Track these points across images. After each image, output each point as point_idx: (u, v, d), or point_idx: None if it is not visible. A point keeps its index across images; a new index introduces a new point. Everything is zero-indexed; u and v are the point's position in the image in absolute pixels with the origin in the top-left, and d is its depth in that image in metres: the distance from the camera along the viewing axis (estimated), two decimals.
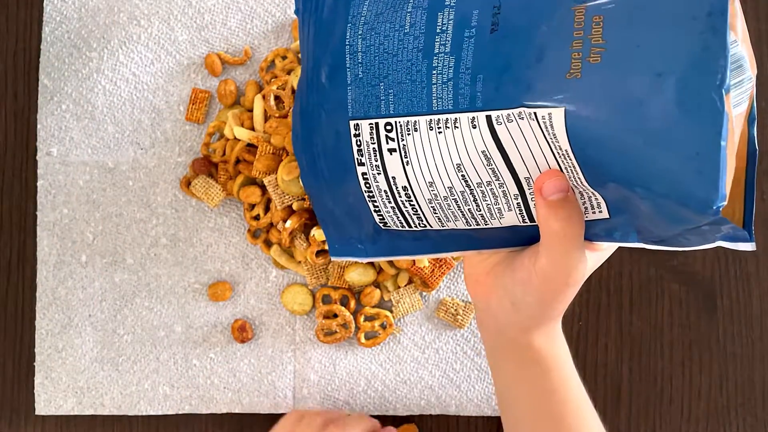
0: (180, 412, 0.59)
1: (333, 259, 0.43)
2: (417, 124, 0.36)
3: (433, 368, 0.59)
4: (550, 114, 0.33)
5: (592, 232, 0.37)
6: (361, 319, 0.58)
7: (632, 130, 0.31)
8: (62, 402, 0.59)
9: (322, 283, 0.59)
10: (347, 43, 0.38)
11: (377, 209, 0.40)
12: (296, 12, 0.41)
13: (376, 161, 0.38)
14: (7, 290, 0.60)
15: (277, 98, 0.57)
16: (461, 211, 0.38)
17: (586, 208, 0.36)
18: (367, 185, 0.39)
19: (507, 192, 0.37)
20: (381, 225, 0.41)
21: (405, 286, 0.58)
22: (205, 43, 0.60)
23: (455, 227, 0.39)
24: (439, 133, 0.36)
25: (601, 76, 0.31)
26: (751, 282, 0.60)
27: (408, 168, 0.38)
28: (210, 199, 0.58)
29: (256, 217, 0.58)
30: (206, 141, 0.59)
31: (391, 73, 0.37)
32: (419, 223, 0.40)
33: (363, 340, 0.59)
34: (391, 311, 0.59)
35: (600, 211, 0.36)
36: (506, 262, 0.40)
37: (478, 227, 0.39)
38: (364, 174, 0.39)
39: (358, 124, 0.38)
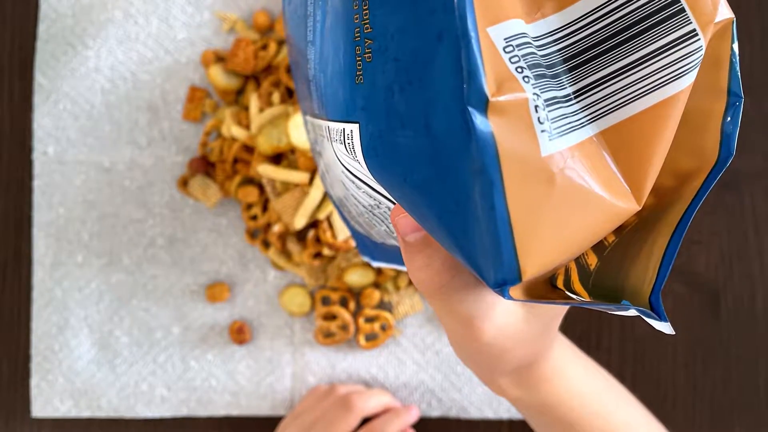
0: (177, 415, 0.58)
1: (363, 258, 0.41)
2: (323, 130, 0.31)
3: (433, 371, 0.58)
4: (350, 132, 0.26)
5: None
6: (361, 320, 0.58)
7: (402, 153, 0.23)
8: (58, 404, 0.58)
9: (321, 284, 0.58)
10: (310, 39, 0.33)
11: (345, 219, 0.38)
12: None
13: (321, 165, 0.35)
14: (2, 291, 0.59)
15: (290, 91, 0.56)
16: (384, 229, 0.33)
17: None
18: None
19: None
20: (375, 236, 0.38)
21: (405, 287, 0.58)
22: (204, 40, 0.59)
23: (392, 243, 0.34)
24: (328, 142, 0.30)
25: (373, 78, 0.24)
26: (755, 284, 0.59)
27: (326, 177, 0.34)
28: (207, 198, 0.57)
29: (254, 217, 0.57)
30: (203, 140, 0.58)
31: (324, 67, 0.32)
32: (372, 234, 0.35)
33: (363, 342, 0.58)
34: (391, 313, 0.58)
35: None
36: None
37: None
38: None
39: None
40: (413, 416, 0.56)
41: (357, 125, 0.25)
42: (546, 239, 0.22)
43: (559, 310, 0.30)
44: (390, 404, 0.56)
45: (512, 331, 0.29)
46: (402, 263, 0.36)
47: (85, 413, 0.58)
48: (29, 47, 0.59)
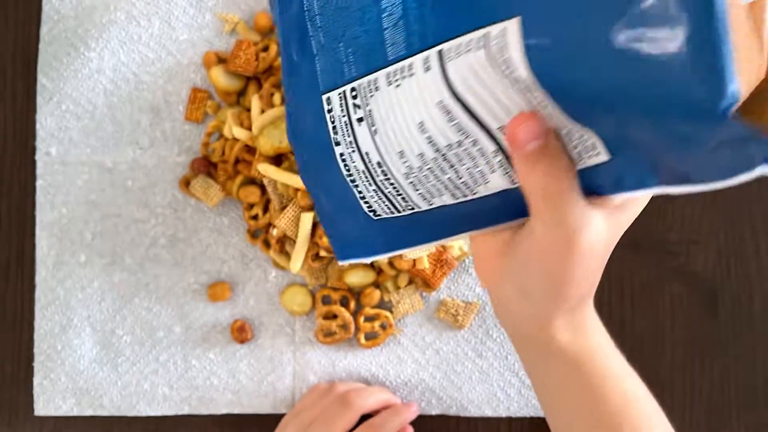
0: (179, 413, 0.59)
1: (340, 262, 0.38)
2: (377, 81, 0.31)
3: (433, 369, 0.59)
4: (503, 30, 0.26)
5: (597, 184, 0.29)
6: (361, 319, 0.58)
7: (602, 26, 0.23)
8: (61, 403, 0.58)
9: (322, 283, 0.58)
10: (305, 8, 0.33)
11: (362, 195, 0.35)
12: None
13: (349, 136, 0.33)
14: (5, 290, 0.60)
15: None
16: (443, 183, 0.32)
17: (579, 152, 0.29)
18: (347, 168, 0.34)
19: (484, 150, 0.30)
20: (371, 215, 0.36)
21: (405, 286, 0.58)
22: (206, 41, 0.60)
23: (444, 203, 0.33)
24: (398, 86, 0.30)
25: None
26: (752, 283, 0.59)
27: (377, 138, 0.32)
28: (209, 199, 0.58)
29: (255, 217, 0.57)
30: (205, 141, 0.59)
31: (347, 30, 0.32)
32: (405, 206, 0.34)
33: (363, 340, 0.58)
34: (392, 312, 0.59)
35: (597, 153, 0.28)
36: (512, 239, 0.33)
37: (467, 199, 0.33)
38: (341, 155, 0.34)
39: (329, 98, 0.33)
40: (412, 413, 0.57)
41: (515, 20, 0.25)
42: (742, 66, 0.23)
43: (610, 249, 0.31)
44: (389, 401, 0.57)
45: (597, 251, 0.30)
46: (419, 240, 0.35)
47: (88, 412, 0.58)
48: (32, 49, 0.60)
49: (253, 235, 0.59)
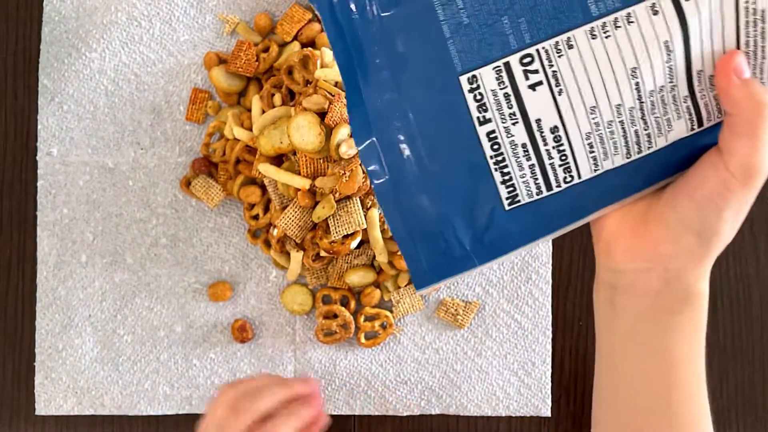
0: (180, 412, 0.59)
1: (419, 292, 0.37)
2: (572, 39, 0.33)
3: (433, 368, 0.59)
4: None
5: None
6: (362, 319, 0.58)
7: None
8: (62, 402, 0.59)
9: (322, 283, 0.59)
10: None
11: (507, 178, 0.35)
12: (319, 8, 0.36)
13: (510, 108, 0.34)
14: (7, 290, 0.60)
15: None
16: (625, 138, 0.34)
17: None
18: (495, 147, 0.34)
19: (677, 96, 0.33)
20: (507, 202, 0.35)
21: (405, 286, 0.58)
22: (206, 42, 0.60)
23: (611, 167, 0.35)
24: (607, 37, 0.33)
25: None
26: (751, 284, 0.60)
27: (561, 99, 0.34)
28: (210, 199, 0.58)
29: (256, 217, 0.58)
30: (206, 141, 0.59)
31: (516, 2, 0.33)
32: (564, 178, 0.35)
33: (363, 340, 0.59)
34: (392, 311, 0.59)
35: None
36: (665, 198, 0.35)
37: (639, 156, 0.35)
38: (490, 133, 0.34)
39: (474, 76, 0.34)
40: (312, 411, 0.51)
41: None
42: None
43: None
44: (290, 396, 0.51)
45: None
46: (555, 224, 0.36)
47: (89, 411, 0.59)
48: (33, 49, 0.60)
49: (254, 235, 0.59)
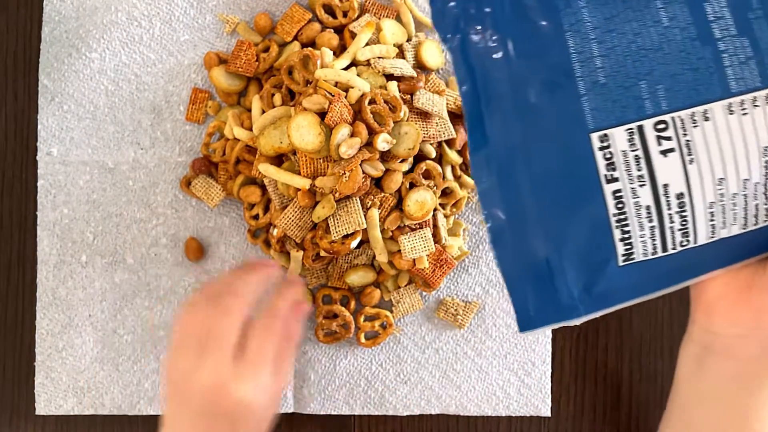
0: None
1: (522, 333, 0.39)
2: (709, 112, 0.34)
3: (433, 368, 0.59)
4: None
5: None
6: (362, 319, 0.59)
7: None
8: (62, 402, 0.59)
9: (322, 283, 0.59)
10: (573, 51, 0.35)
11: (626, 236, 0.36)
12: (450, 48, 0.37)
13: (639, 171, 0.35)
14: (7, 290, 0.60)
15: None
16: (745, 210, 0.36)
17: None
18: (620, 206, 0.35)
19: None
20: (622, 259, 0.36)
21: (405, 286, 0.58)
22: (206, 42, 0.60)
23: (726, 235, 0.36)
24: (744, 114, 0.34)
25: None
26: None
27: (691, 168, 0.35)
28: (210, 198, 0.58)
29: (256, 217, 0.58)
30: (206, 141, 0.59)
31: (656, 69, 0.35)
32: (681, 242, 0.36)
33: (363, 340, 0.59)
34: (392, 311, 0.59)
35: None
36: None
37: (755, 227, 0.36)
38: (617, 192, 0.35)
39: (606, 135, 0.35)
40: (296, 287, 0.50)
41: None
42: None
43: None
44: (266, 278, 0.49)
45: None
46: (663, 283, 0.37)
47: (89, 411, 0.59)
48: (34, 49, 0.60)
49: (254, 234, 0.59)
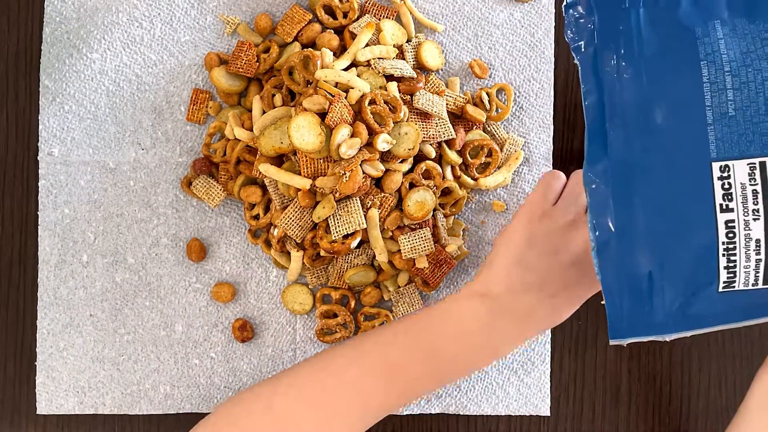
0: (181, 412, 0.59)
1: (612, 342, 0.39)
2: None
3: None
4: None
5: None
6: (361, 318, 0.59)
7: None
8: (63, 401, 0.59)
9: (322, 282, 0.59)
10: (706, 81, 0.36)
11: (731, 265, 0.37)
12: (581, 60, 0.38)
13: (756, 205, 0.35)
14: (8, 290, 0.60)
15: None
16: None
17: None
18: (730, 235, 0.36)
19: None
20: (723, 286, 0.37)
21: (405, 285, 0.58)
22: (207, 43, 0.60)
23: None
24: None
25: None
26: None
27: None
28: (211, 199, 0.58)
29: (256, 217, 0.58)
30: (207, 141, 0.59)
31: None
32: None
33: None
34: (392, 311, 0.59)
35: None
36: None
37: None
38: (729, 222, 0.36)
39: (727, 166, 0.35)
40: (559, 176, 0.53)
41: None
42: None
43: None
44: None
45: None
46: (748, 317, 0.38)
47: (90, 410, 0.59)
48: (35, 50, 0.60)
49: (255, 234, 0.59)
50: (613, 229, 0.37)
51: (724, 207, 0.36)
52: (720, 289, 0.37)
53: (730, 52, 0.36)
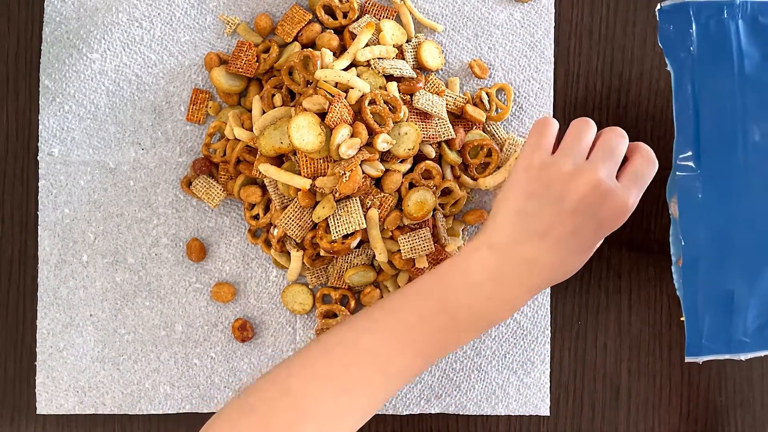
0: (181, 411, 0.59)
1: (688, 359, 0.38)
2: None
3: (432, 367, 0.59)
4: None
5: None
6: None
7: None
8: (63, 401, 0.59)
9: (322, 282, 0.59)
10: None
11: None
12: (675, 68, 0.36)
13: None
14: (8, 290, 0.60)
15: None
16: None
17: None
18: None
19: None
20: None
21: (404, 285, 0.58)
22: (207, 43, 0.60)
23: None
24: None
25: None
26: None
27: None
28: (211, 199, 0.58)
29: (256, 217, 0.58)
30: (207, 141, 0.59)
31: None
32: None
33: None
34: None
35: None
36: None
37: None
38: None
39: None
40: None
41: None
42: None
43: None
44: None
45: None
46: None
47: (90, 410, 0.59)
48: (34, 50, 0.60)
49: (255, 234, 0.59)
50: (704, 243, 0.37)
51: None
52: None
53: None
